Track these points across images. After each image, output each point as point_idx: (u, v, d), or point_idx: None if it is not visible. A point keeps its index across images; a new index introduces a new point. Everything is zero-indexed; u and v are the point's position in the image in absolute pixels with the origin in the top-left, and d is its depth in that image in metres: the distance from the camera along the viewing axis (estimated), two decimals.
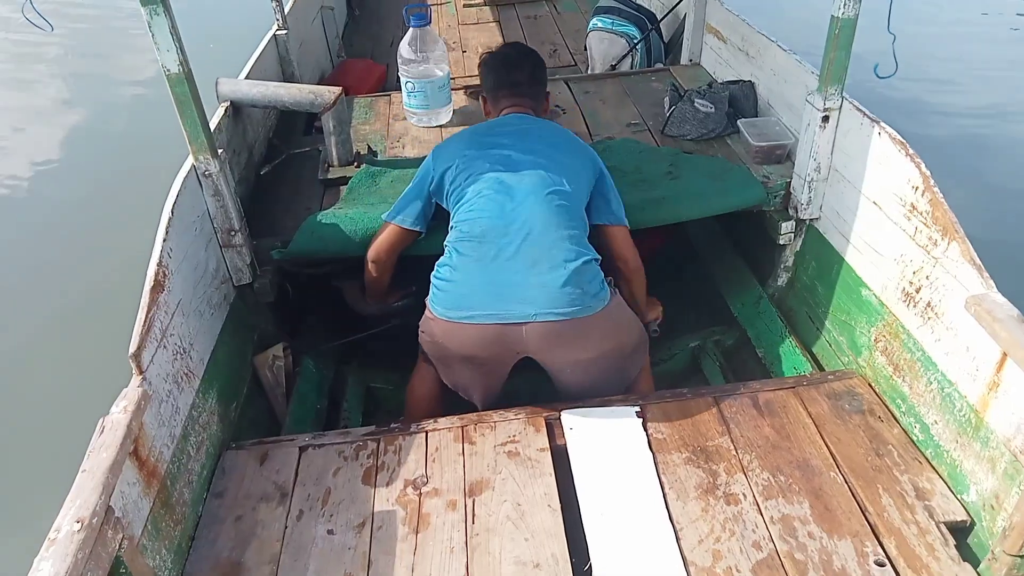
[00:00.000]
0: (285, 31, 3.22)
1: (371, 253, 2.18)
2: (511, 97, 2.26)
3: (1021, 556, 1.46)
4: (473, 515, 1.74)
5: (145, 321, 1.64)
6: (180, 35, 1.84)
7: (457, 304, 1.93)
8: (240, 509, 1.81)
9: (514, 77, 2.27)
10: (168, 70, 1.86)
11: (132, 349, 1.58)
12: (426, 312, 2.02)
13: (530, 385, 2.13)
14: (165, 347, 1.73)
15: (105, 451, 1.36)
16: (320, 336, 2.60)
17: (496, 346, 1.94)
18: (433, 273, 2.02)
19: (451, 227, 2.04)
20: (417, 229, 2.14)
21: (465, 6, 5.11)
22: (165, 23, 1.79)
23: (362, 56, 4.41)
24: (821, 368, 2.29)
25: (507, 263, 1.91)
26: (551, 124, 2.24)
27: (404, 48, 2.82)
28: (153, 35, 1.80)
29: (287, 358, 2.36)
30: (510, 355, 1.98)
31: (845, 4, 1.98)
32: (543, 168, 2.01)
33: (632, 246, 2.14)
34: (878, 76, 1.98)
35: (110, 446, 1.37)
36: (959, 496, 1.72)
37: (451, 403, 2.15)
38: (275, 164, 2.68)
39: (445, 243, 2.03)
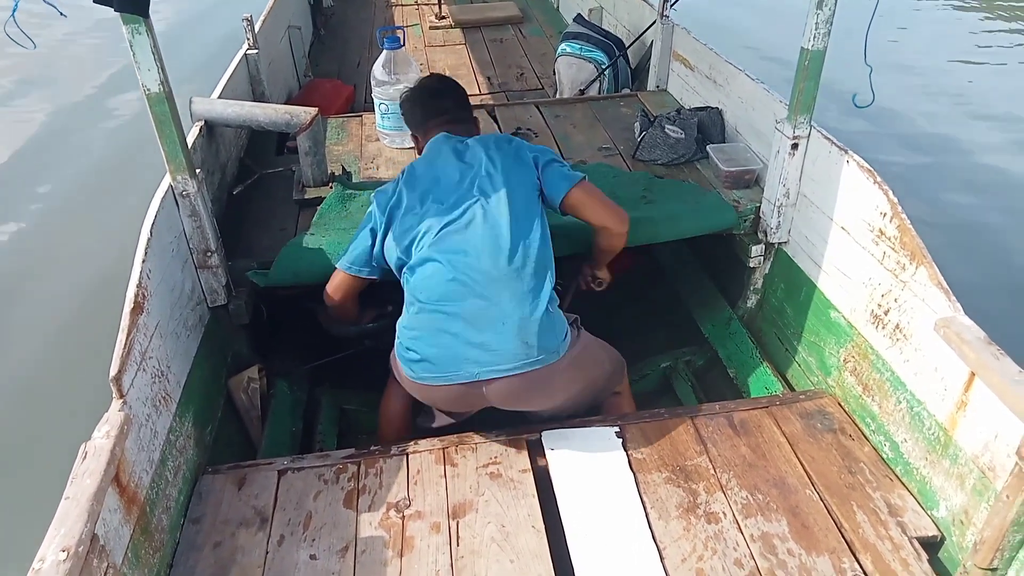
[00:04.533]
0: (256, 51, 3.21)
1: (326, 296, 2.12)
2: (443, 126, 2.16)
3: (992, 569, 1.52)
4: (457, 537, 1.74)
5: (125, 343, 1.61)
6: (162, 55, 1.82)
7: (420, 367, 1.88)
8: (218, 535, 1.77)
9: (442, 104, 2.19)
10: (148, 90, 1.84)
11: (113, 372, 1.55)
12: (394, 352, 1.99)
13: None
14: (144, 370, 1.70)
15: (89, 477, 1.33)
16: (294, 357, 2.57)
17: (460, 402, 1.96)
18: (398, 323, 1.97)
19: (405, 281, 1.96)
20: (370, 277, 2.07)
21: (432, 28, 5.14)
22: (147, 43, 1.77)
23: (329, 75, 4.40)
24: (791, 388, 2.35)
25: (464, 324, 1.83)
26: (483, 141, 2.08)
27: (378, 70, 2.83)
28: (134, 55, 1.78)
29: (262, 380, 2.33)
30: (476, 407, 1.99)
31: (814, 37, 2.05)
32: (491, 207, 1.91)
33: (600, 198, 2.05)
34: (856, 106, 2.06)
35: (94, 472, 1.34)
36: (929, 512, 1.77)
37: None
38: (248, 184, 2.66)
39: (405, 298, 1.97)
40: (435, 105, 2.20)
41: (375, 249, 2.02)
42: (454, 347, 1.84)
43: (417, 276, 1.91)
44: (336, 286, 2.10)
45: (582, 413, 2.08)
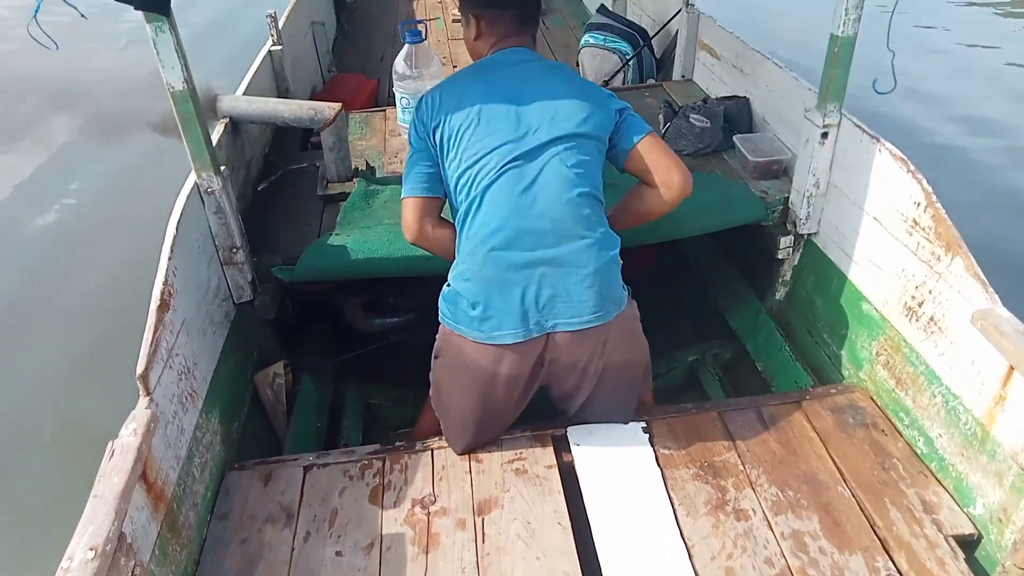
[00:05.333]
0: (280, 47, 3.21)
1: (408, 237, 1.86)
2: (513, 24, 1.86)
3: None
4: (483, 534, 1.73)
5: (152, 341, 1.62)
6: (185, 53, 1.83)
7: (488, 325, 1.73)
8: (245, 531, 1.78)
9: (498, 7, 1.85)
10: (173, 87, 1.84)
11: (139, 370, 1.56)
12: (442, 330, 1.85)
13: (534, 402, 2.11)
14: (171, 367, 1.71)
15: (116, 475, 1.34)
16: (319, 353, 2.58)
17: (517, 364, 1.77)
18: (446, 285, 1.83)
19: (458, 220, 1.79)
20: (437, 196, 1.84)
21: (454, 21, 5.12)
22: (171, 40, 1.78)
23: (352, 71, 4.41)
24: (821, 381, 2.31)
25: (523, 272, 1.70)
26: (559, 71, 1.89)
27: (399, 64, 2.82)
28: (158, 52, 1.79)
29: (287, 375, 2.34)
30: (531, 373, 1.82)
31: (844, 23, 2.00)
32: (561, 147, 1.72)
33: (668, 151, 1.83)
34: (877, 92, 2.01)
35: (121, 470, 1.35)
36: (965, 509, 1.73)
37: None
38: (272, 180, 2.67)
39: (456, 247, 1.81)
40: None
41: (433, 166, 1.82)
42: (516, 300, 1.71)
43: (476, 215, 1.73)
44: (409, 218, 1.83)
45: (611, 414, 1.99)
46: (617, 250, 1.79)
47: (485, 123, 1.74)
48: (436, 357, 1.91)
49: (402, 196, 1.85)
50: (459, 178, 1.76)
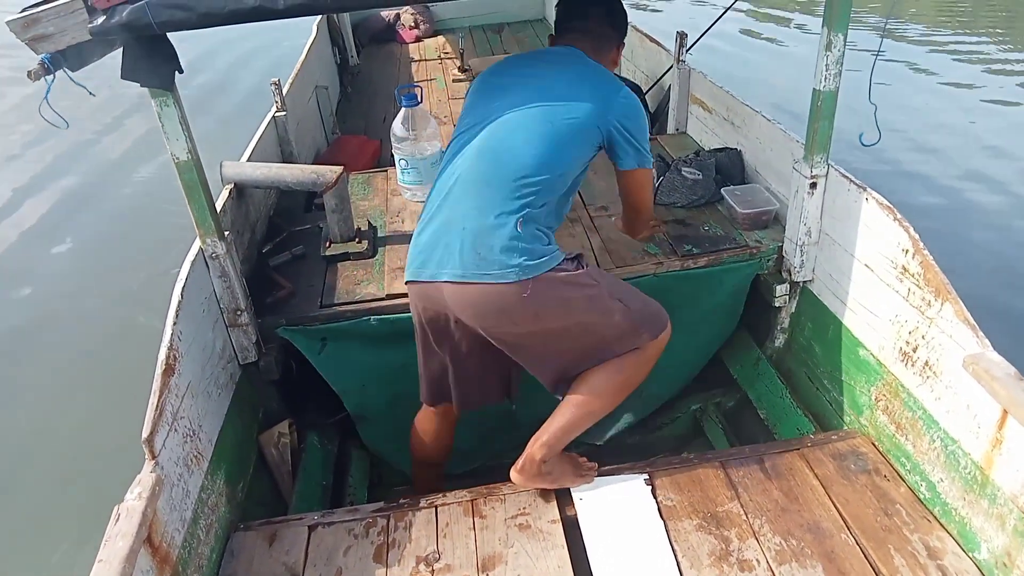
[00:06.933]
0: (284, 113, 3.31)
1: None
2: (567, 34, 2.04)
3: None
4: None
5: (157, 405, 1.65)
6: (189, 125, 1.90)
7: (408, 263, 1.91)
8: None
9: (574, 20, 2.03)
10: (177, 158, 1.91)
11: (145, 434, 1.59)
12: None
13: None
14: (176, 430, 1.73)
15: (121, 539, 1.36)
16: (324, 410, 2.60)
17: (430, 307, 1.89)
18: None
19: None
20: None
21: (454, 81, 5.26)
22: (175, 114, 1.85)
23: (356, 132, 4.52)
24: (823, 427, 2.32)
25: (439, 223, 1.84)
26: (582, 63, 1.96)
27: (397, 127, 2.91)
28: (163, 125, 1.86)
29: (292, 435, 2.36)
30: (444, 318, 1.90)
31: (825, 78, 2.07)
32: (530, 113, 1.84)
33: (646, 195, 2.14)
34: (863, 144, 2.07)
35: (126, 534, 1.37)
36: (970, 554, 1.72)
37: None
38: (277, 242, 2.72)
39: None
40: (568, 13, 2.05)
41: None
42: (429, 245, 1.85)
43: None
44: None
45: (584, 362, 1.90)
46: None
47: None
48: None
49: None
50: None
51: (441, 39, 6.09)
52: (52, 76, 1.45)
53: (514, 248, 1.76)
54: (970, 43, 8.43)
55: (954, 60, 7.86)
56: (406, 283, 1.94)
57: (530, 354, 1.93)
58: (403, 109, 2.86)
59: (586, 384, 1.90)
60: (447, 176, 1.89)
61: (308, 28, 4.91)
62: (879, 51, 1.91)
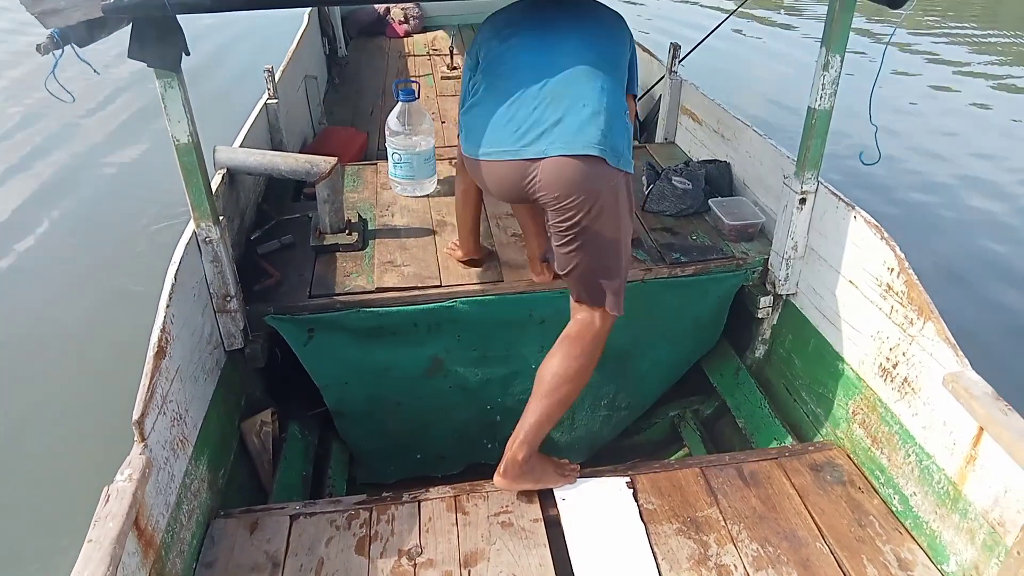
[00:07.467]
0: (276, 100, 3.29)
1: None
2: None
3: None
4: None
5: (148, 388, 1.64)
6: (191, 108, 1.89)
7: (478, 142, 1.93)
8: None
9: None
10: (178, 140, 1.90)
11: (135, 416, 1.58)
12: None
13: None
14: (164, 414, 1.72)
15: (111, 521, 1.35)
16: (306, 401, 2.60)
17: (511, 185, 1.92)
18: (461, 112, 2.04)
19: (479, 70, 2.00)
20: None
21: (443, 78, 5.26)
22: (179, 95, 1.84)
23: (343, 123, 4.50)
24: (800, 438, 2.37)
25: (530, 100, 1.86)
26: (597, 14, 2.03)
27: (392, 121, 2.91)
28: (166, 107, 1.85)
29: (274, 424, 2.35)
30: (524, 194, 1.94)
31: (821, 97, 2.12)
32: (584, 34, 1.93)
33: (632, 117, 2.08)
34: (863, 163, 2.12)
35: (116, 515, 1.36)
36: (940, 567, 1.78)
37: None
38: (265, 230, 2.71)
39: (471, 83, 2.02)
40: None
41: None
42: (517, 124, 1.88)
43: (494, 60, 1.96)
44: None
45: (587, 275, 1.96)
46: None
47: None
48: None
49: None
50: None
51: (430, 35, 6.09)
52: (61, 51, 1.44)
53: (626, 140, 1.89)
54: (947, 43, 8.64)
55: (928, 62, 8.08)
56: (478, 160, 1.95)
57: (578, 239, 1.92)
58: (399, 103, 2.86)
59: (548, 372, 1.95)
60: (529, 62, 1.89)
61: (297, 16, 4.89)
62: (879, 70, 1.96)
